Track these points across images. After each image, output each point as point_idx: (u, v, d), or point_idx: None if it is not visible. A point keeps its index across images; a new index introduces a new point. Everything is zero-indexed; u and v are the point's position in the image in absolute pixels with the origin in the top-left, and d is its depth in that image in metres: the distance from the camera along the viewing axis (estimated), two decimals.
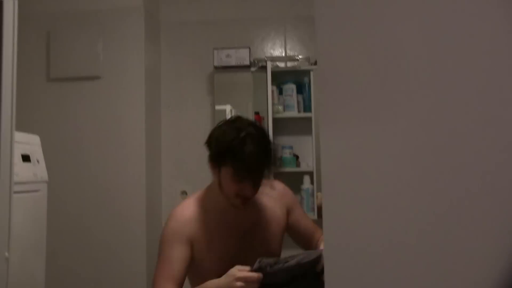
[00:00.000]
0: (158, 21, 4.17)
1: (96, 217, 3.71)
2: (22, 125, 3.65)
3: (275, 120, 3.77)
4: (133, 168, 3.70)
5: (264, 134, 1.84)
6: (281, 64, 3.97)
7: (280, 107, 3.85)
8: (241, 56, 3.83)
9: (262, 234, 1.94)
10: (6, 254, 1.56)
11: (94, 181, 3.72)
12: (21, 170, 2.36)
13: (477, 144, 0.64)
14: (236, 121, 1.84)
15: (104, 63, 3.76)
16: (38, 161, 2.54)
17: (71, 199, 3.71)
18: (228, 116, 3.88)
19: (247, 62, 3.82)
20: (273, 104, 3.79)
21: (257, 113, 3.83)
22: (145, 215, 3.66)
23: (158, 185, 3.99)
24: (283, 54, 4.08)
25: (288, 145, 3.86)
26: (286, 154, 3.82)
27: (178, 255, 1.79)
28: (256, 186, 1.80)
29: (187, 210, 1.90)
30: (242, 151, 1.71)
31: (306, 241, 2.06)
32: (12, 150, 1.59)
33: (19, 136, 2.41)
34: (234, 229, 1.90)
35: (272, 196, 2.00)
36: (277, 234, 1.99)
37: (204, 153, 1.89)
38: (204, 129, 3.97)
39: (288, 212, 2.03)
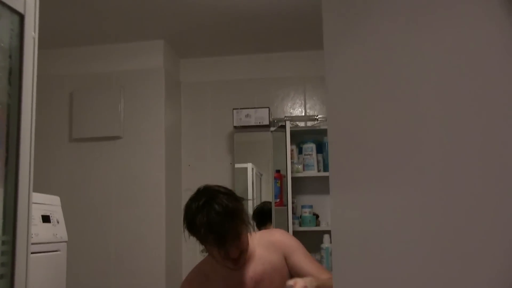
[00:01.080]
0: (178, 81, 4.26)
1: (116, 277, 3.70)
2: (44, 186, 3.72)
3: (294, 179, 3.77)
4: (153, 228, 3.71)
5: (229, 197, 1.84)
6: (301, 124, 4.00)
7: (300, 166, 3.85)
8: (261, 116, 3.87)
9: None
10: None
11: (114, 241, 3.73)
12: (41, 231, 2.38)
13: (488, 211, 0.64)
14: (197, 193, 1.86)
15: (125, 123, 3.83)
16: (58, 222, 2.57)
17: (91, 259, 3.72)
18: (250, 174, 3.91)
19: (266, 122, 3.86)
20: (292, 163, 3.81)
21: (278, 171, 3.85)
22: (164, 276, 3.64)
23: (179, 245, 3.98)
24: (303, 114, 4.12)
25: (308, 204, 3.85)
26: (306, 213, 3.81)
27: None
28: (236, 245, 1.80)
29: (189, 281, 1.97)
30: (195, 223, 1.76)
31: None
32: (30, 211, 1.61)
33: (39, 197, 2.46)
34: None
35: (270, 246, 1.97)
36: (283, 285, 1.90)
37: None
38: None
39: (286, 259, 1.97)
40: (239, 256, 1.84)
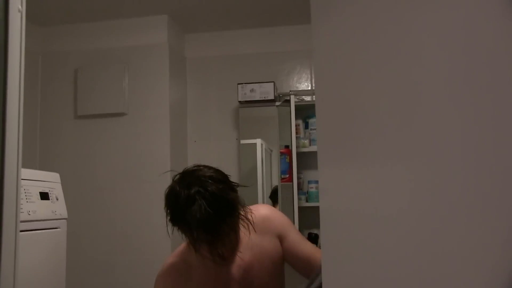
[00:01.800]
0: (183, 56, 4.22)
1: (122, 254, 3.70)
2: (49, 163, 3.72)
3: (301, 154, 3.73)
4: (158, 204, 3.69)
5: (222, 184, 1.57)
6: (307, 98, 3.95)
7: (306, 141, 3.81)
8: (266, 91, 3.82)
9: (257, 277, 1.72)
10: None
11: (119, 218, 3.74)
12: (39, 208, 2.38)
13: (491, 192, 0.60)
14: (185, 176, 1.60)
15: (129, 99, 3.81)
16: (57, 199, 2.56)
17: (97, 236, 3.73)
18: (259, 150, 3.86)
19: (271, 97, 3.81)
20: (298, 138, 3.76)
21: (287, 146, 3.80)
22: (170, 253, 3.63)
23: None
24: (309, 88, 4.06)
25: (314, 179, 3.80)
26: (313, 188, 3.77)
27: None
28: (226, 247, 1.60)
29: (165, 276, 1.76)
30: (183, 218, 1.52)
31: (305, 268, 1.75)
32: (18, 187, 1.59)
33: (37, 174, 2.45)
34: (224, 284, 1.70)
35: (258, 227, 1.71)
36: (274, 270, 1.75)
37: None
38: (230, 163, 3.98)
39: (281, 240, 1.76)
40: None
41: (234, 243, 1.65)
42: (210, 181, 1.53)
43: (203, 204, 1.47)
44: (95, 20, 3.92)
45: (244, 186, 1.71)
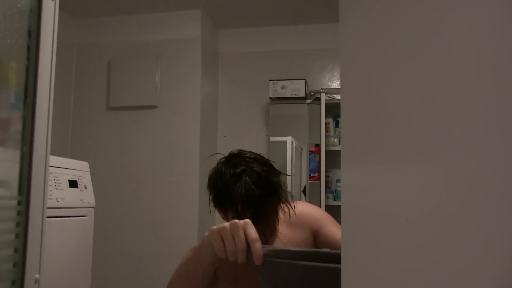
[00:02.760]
0: (216, 52, 4.23)
1: (149, 245, 3.74)
2: (81, 153, 3.78)
3: (329, 153, 3.72)
4: (187, 197, 3.73)
5: (267, 167, 1.58)
6: (338, 96, 3.92)
7: (336, 140, 3.79)
8: (297, 88, 3.81)
9: None
10: (37, 275, 1.58)
11: (148, 209, 3.77)
12: (67, 195, 2.41)
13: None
14: (230, 158, 1.61)
15: (161, 92, 3.84)
16: (85, 187, 2.60)
17: (125, 226, 3.77)
18: (289, 148, 3.85)
19: (302, 94, 3.80)
20: (327, 136, 3.75)
21: (317, 145, 3.78)
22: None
23: (212, 216, 3.99)
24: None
25: None
26: (341, 187, 3.74)
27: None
28: (266, 229, 1.55)
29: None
30: (229, 193, 1.51)
31: None
32: (46, 173, 1.62)
33: (67, 162, 2.49)
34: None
35: (293, 222, 1.70)
36: None
37: None
38: None
39: (315, 234, 1.74)
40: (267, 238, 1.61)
41: (272, 228, 1.60)
42: (255, 162, 1.55)
43: (248, 181, 1.49)
44: (129, 13, 3.96)
45: (286, 175, 1.71)
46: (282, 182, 1.61)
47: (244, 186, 1.48)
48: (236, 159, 1.58)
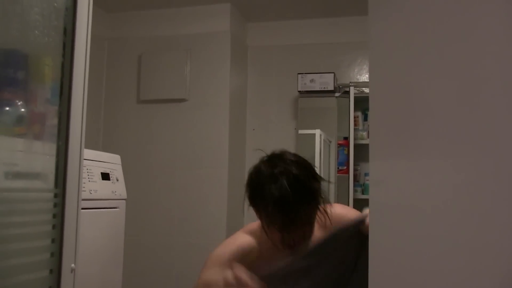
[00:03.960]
0: (245, 45, 4.26)
1: (178, 237, 3.79)
2: (112, 145, 3.85)
3: (358, 146, 3.72)
4: (216, 190, 3.77)
5: (308, 171, 1.54)
6: (367, 90, 3.92)
7: (364, 133, 3.79)
8: (325, 81, 3.81)
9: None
10: (73, 265, 1.63)
11: (177, 201, 3.82)
12: (100, 187, 2.47)
13: None
14: (272, 158, 1.57)
15: (190, 86, 3.88)
16: (117, 180, 2.65)
17: (155, 218, 3.83)
18: (318, 141, 3.85)
19: (331, 87, 3.80)
20: (356, 129, 3.75)
21: (346, 138, 3.79)
22: (225, 238, 3.69)
23: (241, 208, 4.02)
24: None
25: None
26: (369, 180, 3.74)
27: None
28: (298, 235, 1.52)
29: (241, 239, 1.68)
30: (263, 194, 1.47)
31: None
32: (81, 166, 1.67)
33: (99, 155, 2.54)
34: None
35: (327, 224, 1.63)
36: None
37: None
38: None
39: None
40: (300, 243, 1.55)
41: (306, 236, 1.56)
42: (295, 165, 1.51)
43: (284, 184, 1.44)
44: (159, 7, 4.00)
45: (327, 181, 1.63)
46: (322, 189, 1.55)
47: (280, 188, 1.44)
48: (276, 159, 1.54)
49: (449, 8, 0.87)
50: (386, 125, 1.24)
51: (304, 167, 1.54)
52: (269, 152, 1.61)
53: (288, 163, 1.51)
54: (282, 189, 1.44)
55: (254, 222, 1.72)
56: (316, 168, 1.61)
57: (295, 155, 1.59)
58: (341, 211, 1.72)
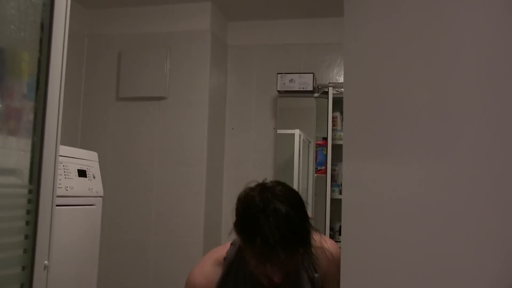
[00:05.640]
0: (225, 44, 4.26)
1: (156, 235, 3.79)
2: (90, 142, 3.83)
3: (336, 146, 3.74)
4: (193, 188, 3.77)
5: (299, 209, 1.48)
6: None
7: (342, 134, 3.81)
8: (305, 81, 3.83)
9: None
10: (46, 262, 1.63)
11: (155, 199, 3.82)
12: (76, 184, 2.46)
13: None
14: (266, 192, 1.48)
15: (170, 84, 3.87)
16: (94, 177, 2.64)
17: (132, 216, 3.82)
18: (297, 141, 3.87)
19: (310, 88, 3.82)
20: (334, 130, 3.78)
21: (325, 138, 3.81)
22: (202, 236, 3.70)
23: (219, 207, 4.04)
24: None
25: None
26: None
27: None
28: (280, 271, 1.47)
29: (203, 275, 1.65)
30: (267, 235, 1.38)
31: None
32: (56, 162, 1.66)
33: (76, 152, 2.53)
34: None
35: (317, 262, 1.62)
36: None
37: (266, 174, 1.62)
38: (267, 153, 4.03)
39: (323, 278, 1.65)
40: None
41: (290, 270, 1.53)
42: (288, 203, 1.45)
43: (280, 221, 1.39)
44: (140, 4, 3.99)
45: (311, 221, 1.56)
46: (313, 230, 1.50)
47: (274, 222, 1.38)
48: (267, 192, 1.47)
49: (423, 12, 0.89)
50: (359, 127, 1.25)
51: (297, 205, 1.49)
52: (259, 180, 1.55)
53: (282, 198, 1.45)
54: (276, 224, 1.39)
55: (223, 246, 1.72)
56: (306, 205, 1.55)
57: (288, 189, 1.53)
58: (334, 254, 1.66)
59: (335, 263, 1.58)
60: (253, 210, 1.43)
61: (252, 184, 1.54)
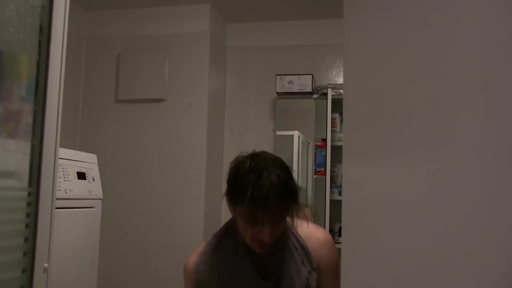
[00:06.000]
0: (223, 46, 4.26)
1: (155, 236, 3.79)
2: (90, 145, 3.83)
3: (335, 148, 3.75)
4: (193, 190, 3.76)
5: (287, 171, 1.54)
6: None
7: (341, 135, 3.81)
8: (304, 83, 3.83)
9: None
10: (46, 265, 1.62)
11: (155, 201, 3.82)
12: (76, 187, 2.45)
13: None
14: (256, 156, 1.55)
15: (169, 86, 3.87)
16: (93, 179, 2.64)
17: (129, 218, 3.82)
18: (296, 142, 3.87)
19: (309, 89, 3.82)
20: (334, 131, 3.78)
21: (324, 140, 3.81)
22: (202, 238, 3.69)
23: (218, 208, 4.03)
24: None
25: None
26: None
27: None
28: (274, 229, 1.51)
29: (196, 258, 1.73)
30: (258, 187, 1.43)
31: None
32: (56, 165, 1.66)
33: (76, 154, 2.53)
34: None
35: (305, 246, 1.64)
36: None
37: None
38: None
39: (314, 270, 1.64)
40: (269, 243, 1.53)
41: (278, 233, 1.56)
42: (276, 164, 1.51)
43: (269, 177, 1.45)
44: (139, 6, 3.99)
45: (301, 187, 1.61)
46: (303, 193, 1.58)
47: (264, 180, 1.44)
48: (258, 158, 1.53)
49: (423, 13, 0.89)
50: (359, 128, 1.25)
51: (284, 168, 1.53)
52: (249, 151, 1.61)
53: (270, 161, 1.51)
54: (264, 181, 1.44)
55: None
56: (293, 172, 1.60)
57: (276, 156, 1.59)
58: (323, 244, 1.69)
59: (325, 246, 1.66)
60: (243, 170, 1.49)
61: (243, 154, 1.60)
